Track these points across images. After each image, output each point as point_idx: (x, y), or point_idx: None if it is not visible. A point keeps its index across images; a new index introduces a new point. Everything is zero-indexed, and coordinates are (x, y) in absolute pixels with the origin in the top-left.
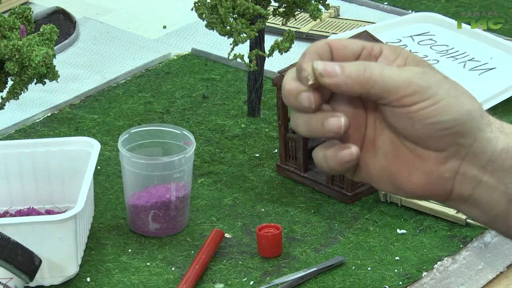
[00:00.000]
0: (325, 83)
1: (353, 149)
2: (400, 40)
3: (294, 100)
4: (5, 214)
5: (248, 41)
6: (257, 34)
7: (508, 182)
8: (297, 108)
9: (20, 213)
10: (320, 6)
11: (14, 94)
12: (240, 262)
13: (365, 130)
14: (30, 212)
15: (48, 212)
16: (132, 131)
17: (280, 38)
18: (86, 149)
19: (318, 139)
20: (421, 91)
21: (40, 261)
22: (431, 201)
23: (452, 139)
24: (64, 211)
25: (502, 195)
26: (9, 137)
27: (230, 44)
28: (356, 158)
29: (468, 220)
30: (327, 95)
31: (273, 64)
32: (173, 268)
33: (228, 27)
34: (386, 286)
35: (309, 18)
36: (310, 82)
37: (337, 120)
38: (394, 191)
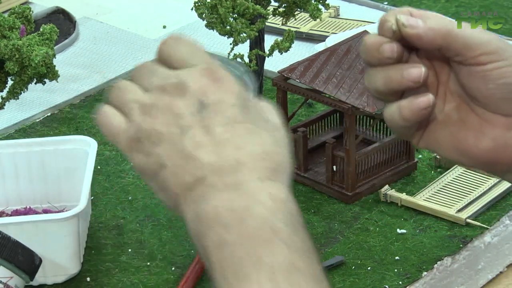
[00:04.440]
0: (407, 33)
1: (430, 96)
2: None
3: (375, 52)
4: (1, 214)
5: (248, 41)
6: (257, 34)
7: None
8: (378, 60)
9: (17, 213)
10: (320, 6)
11: (14, 94)
12: None
13: (437, 102)
14: (27, 211)
15: (46, 211)
16: None
17: (280, 38)
18: (83, 147)
19: (318, 139)
20: (499, 52)
21: (41, 261)
22: (431, 201)
23: None
24: (62, 210)
25: None
26: (9, 137)
27: (230, 44)
28: (433, 105)
29: (468, 220)
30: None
31: (273, 64)
32: (173, 268)
33: (228, 27)
34: (386, 286)
35: (309, 18)
36: (394, 29)
37: (418, 70)
38: (458, 157)
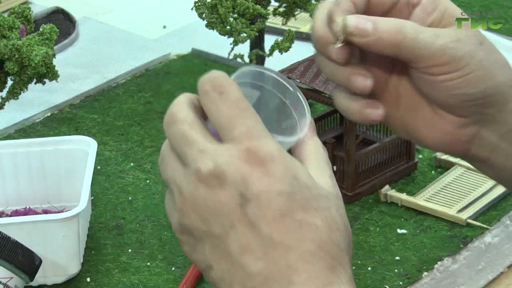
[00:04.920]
0: (355, 42)
1: (380, 111)
2: None
3: (322, 49)
4: (1, 214)
5: (248, 41)
6: (257, 34)
7: None
8: (325, 56)
9: (16, 213)
10: None
11: (14, 94)
12: None
13: (390, 85)
14: (27, 212)
15: (46, 211)
16: None
17: (280, 38)
18: (83, 148)
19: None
20: (452, 62)
21: (40, 261)
22: (432, 201)
23: (477, 109)
24: (62, 211)
25: None
26: (9, 137)
27: (230, 44)
28: (382, 119)
29: (469, 221)
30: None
31: (273, 64)
32: (173, 268)
33: (228, 27)
34: (386, 286)
35: (309, 18)
36: (339, 44)
37: (364, 80)
38: (414, 141)
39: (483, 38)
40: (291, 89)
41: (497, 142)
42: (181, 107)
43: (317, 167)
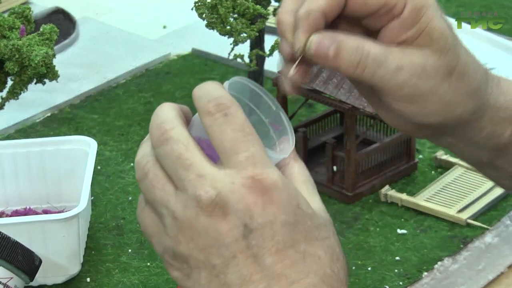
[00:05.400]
0: (315, 62)
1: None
2: None
3: (286, 58)
4: (1, 215)
5: (248, 41)
6: (257, 34)
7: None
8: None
9: (17, 213)
10: None
11: (14, 94)
12: None
13: None
14: (27, 212)
15: (46, 211)
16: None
17: (280, 38)
18: (83, 148)
19: (318, 139)
20: (410, 97)
21: (40, 261)
22: (432, 201)
23: (437, 131)
24: (62, 211)
25: (477, 159)
26: (9, 137)
27: (230, 44)
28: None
29: (469, 221)
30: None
31: (273, 64)
32: None
33: (228, 27)
34: (386, 286)
35: None
36: (295, 65)
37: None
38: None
39: (455, 64)
40: (273, 107)
41: (455, 143)
42: (172, 123)
43: (307, 191)
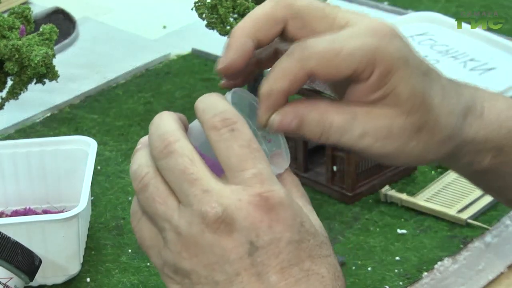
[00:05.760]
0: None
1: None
2: None
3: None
4: (1, 215)
5: None
6: None
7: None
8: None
9: (16, 213)
10: None
11: (13, 94)
12: None
13: None
14: (27, 212)
15: (46, 212)
16: None
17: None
18: (83, 148)
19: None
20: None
21: (40, 261)
22: (432, 201)
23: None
24: (62, 211)
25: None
26: (9, 137)
27: None
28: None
29: (469, 221)
30: None
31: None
32: None
33: (228, 27)
34: (386, 287)
35: None
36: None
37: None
38: None
39: (424, 121)
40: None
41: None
42: (176, 135)
43: (305, 207)
